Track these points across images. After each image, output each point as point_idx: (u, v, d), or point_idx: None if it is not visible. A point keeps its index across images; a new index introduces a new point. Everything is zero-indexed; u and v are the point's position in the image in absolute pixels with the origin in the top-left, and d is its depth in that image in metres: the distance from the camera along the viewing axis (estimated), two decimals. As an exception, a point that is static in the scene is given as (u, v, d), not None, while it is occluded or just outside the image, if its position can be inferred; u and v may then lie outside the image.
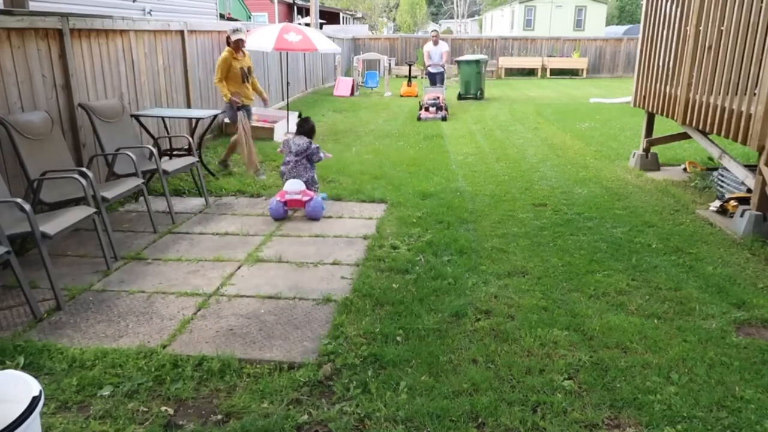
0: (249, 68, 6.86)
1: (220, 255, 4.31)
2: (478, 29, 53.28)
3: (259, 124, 8.95)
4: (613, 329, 3.17)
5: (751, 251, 4.39)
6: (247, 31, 9.46)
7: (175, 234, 4.80)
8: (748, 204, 4.81)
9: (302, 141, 5.33)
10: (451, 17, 62.24)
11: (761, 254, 4.33)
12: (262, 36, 8.26)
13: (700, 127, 5.68)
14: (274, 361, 2.87)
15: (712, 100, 5.39)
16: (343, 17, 40.89)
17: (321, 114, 12.11)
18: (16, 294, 3.58)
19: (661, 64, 6.69)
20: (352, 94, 16.27)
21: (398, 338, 3.09)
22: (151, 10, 12.17)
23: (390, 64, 20.39)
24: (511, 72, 24.82)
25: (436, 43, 13.70)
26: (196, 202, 5.72)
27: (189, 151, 5.96)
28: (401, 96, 16.16)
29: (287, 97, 10.04)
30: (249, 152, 6.59)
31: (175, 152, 6.22)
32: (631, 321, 3.27)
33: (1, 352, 2.90)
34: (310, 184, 5.27)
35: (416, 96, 15.53)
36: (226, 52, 6.65)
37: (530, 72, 24.95)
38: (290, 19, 28.57)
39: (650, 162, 7.20)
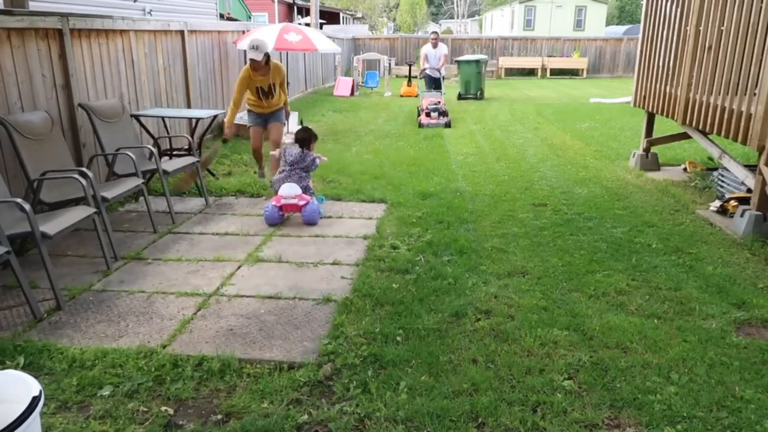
0: (271, 85, 6.04)
1: (220, 255, 4.31)
2: (478, 29, 53.27)
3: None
4: (613, 329, 3.17)
5: (751, 251, 4.39)
6: (247, 31, 9.48)
7: (175, 234, 4.80)
8: (748, 204, 4.81)
9: (295, 151, 5.21)
10: (451, 17, 62.24)
11: (761, 254, 4.33)
12: (262, 36, 8.25)
13: (700, 127, 5.68)
14: (274, 361, 2.87)
15: (712, 100, 5.39)
16: (343, 17, 40.89)
17: (321, 114, 12.12)
18: (16, 294, 3.58)
19: (661, 64, 6.69)
20: (352, 94, 16.27)
21: (398, 338, 3.09)
22: (151, 10, 12.17)
23: (390, 64, 20.39)
24: (511, 72, 24.82)
25: (435, 45, 12.98)
26: (196, 202, 5.72)
27: (189, 151, 5.96)
28: (401, 96, 16.16)
29: (287, 97, 10.03)
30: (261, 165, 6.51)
31: (175, 152, 6.23)
32: (631, 321, 3.27)
33: (1, 352, 2.90)
34: (303, 192, 5.08)
35: (416, 96, 15.52)
36: (243, 70, 5.94)
37: (530, 72, 24.95)
38: (290, 19, 28.57)
39: (650, 162, 7.20)
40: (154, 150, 5.22)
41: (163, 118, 6.40)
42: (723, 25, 5.26)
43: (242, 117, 7.39)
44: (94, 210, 3.95)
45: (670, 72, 6.42)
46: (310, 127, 5.60)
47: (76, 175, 4.06)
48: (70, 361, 2.84)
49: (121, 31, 5.89)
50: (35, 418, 1.89)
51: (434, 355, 2.92)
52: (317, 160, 5.31)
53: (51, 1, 8.97)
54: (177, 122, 7.08)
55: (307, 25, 18.50)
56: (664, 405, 2.54)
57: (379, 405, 2.53)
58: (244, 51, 9.56)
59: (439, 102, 11.07)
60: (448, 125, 10.47)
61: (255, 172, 6.65)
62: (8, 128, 4.06)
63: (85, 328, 3.22)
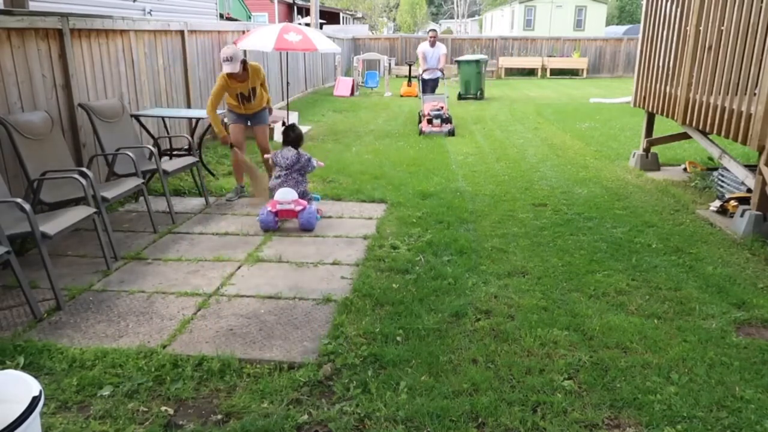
0: (251, 90, 5.62)
1: (220, 255, 4.31)
2: (478, 29, 53.28)
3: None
4: (613, 329, 3.17)
5: (751, 251, 4.39)
6: (247, 31, 9.48)
7: (175, 234, 4.80)
8: (748, 204, 4.81)
9: (290, 153, 5.03)
10: (451, 17, 62.26)
11: (761, 254, 4.33)
12: (262, 36, 8.25)
13: (700, 127, 5.68)
14: (274, 361, 2.87)
15: (712, 100, 5.39)
16: (343, 17, 40.89)
17: (321, 114, 12.12)
18: (16, 294, 3.58)
19: (661, 64, 6.69)
20: (352, 94, 16.27)
21: (398, 338, 3.09)
22: (151, 10, 12.18)
23: (390, 64, 20.40)
24: (511, 72, 24.82)
25: (433, 44, 11.80)
26: (196, 202, 5.72)
27: (189, 151, 5.96)
28: (401, 96, 16.17)
29: (287, 97, 10.04)
30: (253, 177, 5.80)
31: (175, 152, 6.23)
32: (631, 321, 3.27)
33: (1, 352, 2.90)
34: (301, 197, 4.98)
35: (416, 96, 15.52)
36: (220, 78, 5.48)
37: (530, 72, 24.95)
38: (290, 19, 28.57)
39: (650, 162, 7.20)
40: (154, 150, 5.22)
41: (163, 118, 6.40)
42: (723, 25, 5.26)
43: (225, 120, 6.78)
44: (94, 210, 3.95)
45: (670, 72, 6.42)
46: (296, 125, 5.39)
47: (76, 175, 4.06)
48: (70, 361, 2.84)
49: (121, 31, 5.89)
50: (35, 418, 1.89)
51: (434, 355, 2.92)
52: (313, 161, 5.16)
53: (51, 1, 8.97)
54: (177, 122, 7.07)
55: (307, 25, 18.50)
56: (664, 405, 2.54)
57: (379, 405, 2.53)
58: (244, 51, 9.61)
59: (442, 107, 10.11)
60: (451, 133, 9.61)
61: (234, 190, 5.90)
62: (8, 128, 4.06)
63: (85, 328, 3.22)
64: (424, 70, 11.76)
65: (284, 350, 2.99)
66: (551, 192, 6.06)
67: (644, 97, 7.23)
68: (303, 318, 3.34)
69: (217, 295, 3.65)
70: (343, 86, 16.41)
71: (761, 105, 4.49)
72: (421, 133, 9.66)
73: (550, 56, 25.19)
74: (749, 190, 4.96)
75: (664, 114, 6.60)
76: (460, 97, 15.58)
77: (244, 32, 9.58)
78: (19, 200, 3.38)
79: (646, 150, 7.22)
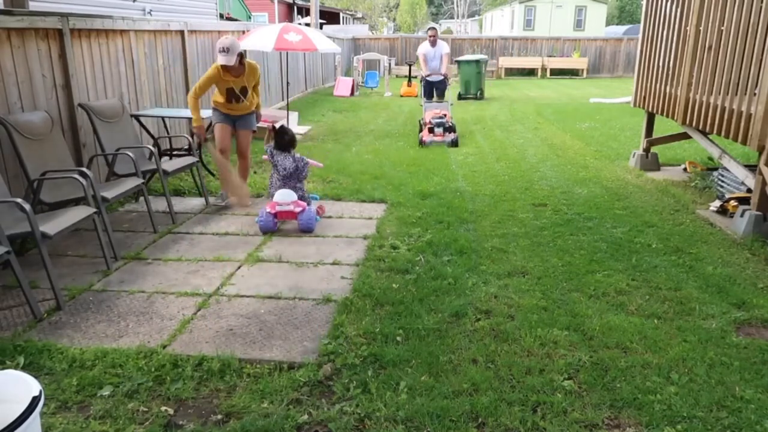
0: (244, 88, 5.34)
1: (220, 255, 4.31)
2: (478, 29, 53.27)
3: (259, 124, 8.92)
4: (613, 329, 3.17)
5: (751, 251, 4.39)
6: (247, 31, 9.48)
7: (175, 234, 4.80)
8: (748, 204, 4.81)
9: (288, 163, 4.92)
10: (451, 17, 62.25)
11: (761, 254, 4.33)
12: (262, 36, 8.26)
13: (700, 127, 5.68)
14: (274, 361, 2.87)
15: (712, 100, 5.39)
16: (343, 17, 40.89)
17: (321, 114, 12.12)
18: (16, 294, 3.58)
19: (661, 64, 6.69)
20: (352, 94, 16.28)
21: (398, 338, 3.09)
22: (151, 10, 12.18)
23: (390, 64, 20.40)
24: (511, 72, 24.82)
25: (434, 44, 10.35)
26: (196, 202, 5.72)
27: (189, 151, 5.96)
28: (401, 96, 16.18)
29: (287, 97, 10.04)
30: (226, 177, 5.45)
31: (175, 152, 6.22)
32: (631, 321, 3.27)
33: (1, 352, 2.90)
34: (300, 200, 4.92)
35: (416, 96, 15.52)
36: (213, 68, 5.22)
37: (530, 72, 24.95)
38: (290, 19, 28.57)
39: (650, 162, 7.20)
40: (154, 150, 5.22)
41: (163, 118, 6.40)
42: (723, 25, 5.26)
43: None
44: (94, 210, 3.95)
45: (670, 72, 6.41)
46: (285, 126, 5.25)
47: (76, 175, 4.06)
48: (70, 361, 2.84)
49: (121, 31, 5.89)
50: (35, 418, 1.89)
51: (434, 355, 2.92)
52: (312, 162, 5.10)
53: (51, 1, 8.97)
54: (177, 122, 7.07)
55: (307, 25, 18.50)
56: (664, 405, 2.54)
57: (379, 405, 2.53)
58: (244, 51, 9.60)
59: (445, 115, 9.07)
60: (454, 143, 8.66)
61: (219, 195, 5.60)
62: (8, 128, 4.06)
63: (85, 328, 3.22)
64: (427, 75, 10.26)
65: (284, 350, 2.99)
66: (551, 192, 6.06)
67: (644, 97, 7.23)
68: (303, 318, 3.34)
69: (217, 295, 3.65)
70: (343, 86, 16.41)
71: (761, 105, 4.49)
72: (421, 143, 8.68)
73: (550, 56, 25.19)
74: (749, 190, 4.96)
75: (664, 114, 6.60)
76: (460, 97, 15.58)
77: (244, 32, 9.58)
78: (19, 200, 3.38)
79: (646, 150, 7.22)
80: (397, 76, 21.78)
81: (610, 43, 25.50)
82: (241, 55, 5.17)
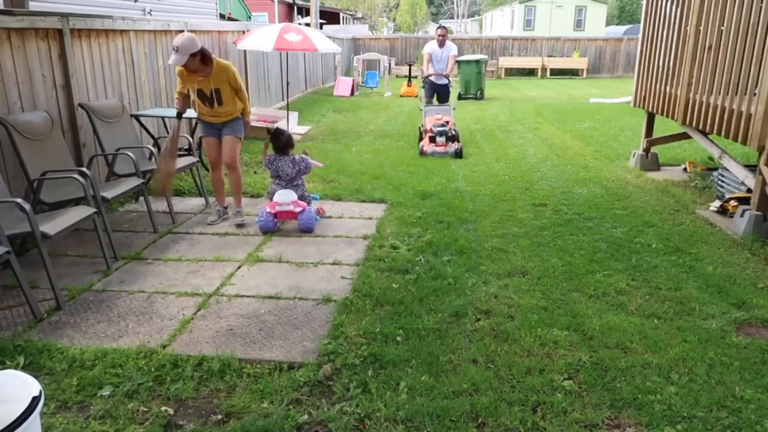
0: (214, 91, 4.81)
1: (220, 255, 4.31)
2: (478, 29, 53.28)
3: (259, 124, 8.94)
4: (613, 329, 3.17)
5: (751, 251, 4.39)
6: (247, 31, 9.48)
7: (175, 234, 4.80)
8: (748, 204, 4.81)
9: (288, 168, 4.88)
10: (451, 17, 62.26)
11: (761, 254, 4.33)
12: (262, 36, 8.26)
13: (700, 127, 5.68)
14: (274, 361, 2.87)
15: (712, 100, 5.39)
16: (343, 17, 40.88)
17: (321, 114, 12.12)
18: (16, 294, 3.58)
19: (661, 64, 6.69)
20: (352, 94, 16.28)
21: (398, 338, 3.09)
22: (151, 10, 12.17)
23: (390, 64, 20.40)
24: (511, 72, 24.82)
25: (441, 44, 9.25)
26: (196, 202, 5.72)
27: (189, 151, 5.95)
28: (401, 96, 16.18)
29: (287, 97, 10.05)
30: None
31: (175, 152, 6.21)
32: (631, 321, 3.27)
33: (1, 352, 2.90)
34: (301, 199, 4.89)
35: (416, 96, 15.52)
36: (179, 67, 4.74)
37: (530, 72, 24.95)
38: (290, 19, 28.57)
39: (650, 162, 7.20)
40: (154, 150, 5.22)
41: (163, 118, 6.40)
42: (723, 25, 5.26)
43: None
44: (94, 210, 3.95)
45: (670, 72, 6.42)
46: (279, 128, 5.18)
47: (76, 175, 4.06)
48: (70, 361, 2.84)
49: (121, 31, 5.89)
50: (35, 418, 1.89)
51: (434, 355, 2.92)
52: (312, 162, 5.08)
53: (51, 1, 8.97)
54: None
55: (307, 25, 18.50)
56: (664, 405, 2.54)
57: (379, 405, 2.53)
58: (244, 51, 9.59)
59: (447, 122, 8.25)
60: (458, 154, 7.84)
61: (216, 207, 5.25)
62: (8, 128, 4.06)
63: (85, 328, 3.22)
64: (429, 75, 9.28)
65: (284, 350, 2.99)
66: (551, 192, 6.06)
67: (644, 97, 7.23)
68: (303, 318, 3.34)
69: (217, 295, 3.65)
70: (343, 86, 16.41)
71: (761, 105, 4.49)
72: (422, 153, 7.89)
73: (550, 56, 25.19)
74: (749, 190, 4.96)
75: (664, 114, 6.60)
76: (460, 97, 15.58)
77: (244, 32, 9.58)
78: (19, 200, 3.38)
79: (646, 150, 7.22)
80: (397, 76, 21.78)
81: (610, 43, 25.50)
82: (204, 55, 4.70)
